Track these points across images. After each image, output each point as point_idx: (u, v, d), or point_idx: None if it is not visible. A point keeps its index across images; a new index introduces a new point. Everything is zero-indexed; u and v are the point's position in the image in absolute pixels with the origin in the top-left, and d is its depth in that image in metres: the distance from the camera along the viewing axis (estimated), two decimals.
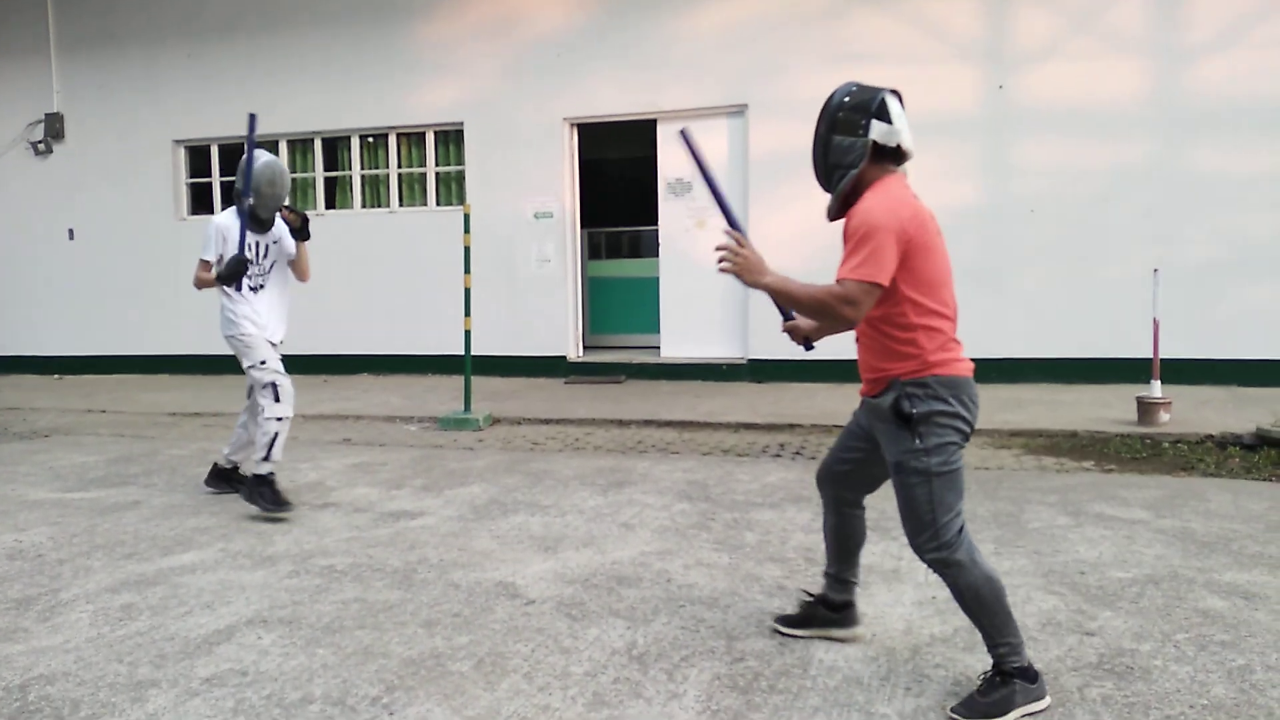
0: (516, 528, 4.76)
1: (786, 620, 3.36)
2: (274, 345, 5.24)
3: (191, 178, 11.65)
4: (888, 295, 2.72)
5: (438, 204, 10.81)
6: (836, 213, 2.90)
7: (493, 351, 10.14)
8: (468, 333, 7.87)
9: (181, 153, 11.58)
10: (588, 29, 10.01)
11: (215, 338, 11.17)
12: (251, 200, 5.06)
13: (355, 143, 10.98)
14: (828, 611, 3.27)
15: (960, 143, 9.05)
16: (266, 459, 5.03)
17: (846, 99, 2.83)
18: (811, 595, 3.35)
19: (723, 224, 3.04)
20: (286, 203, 5.23)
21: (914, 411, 2.72)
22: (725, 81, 9.61)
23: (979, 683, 2.80)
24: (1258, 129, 8.34)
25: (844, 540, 3.22)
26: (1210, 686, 2.90)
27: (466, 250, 7.78)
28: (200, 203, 11.66)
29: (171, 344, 11.52)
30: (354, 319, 10.83)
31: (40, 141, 11.83)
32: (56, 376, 11.78)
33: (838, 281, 2.69)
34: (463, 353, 7.97)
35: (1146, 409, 6.86)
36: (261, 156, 5.10)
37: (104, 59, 11.60)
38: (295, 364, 10.54)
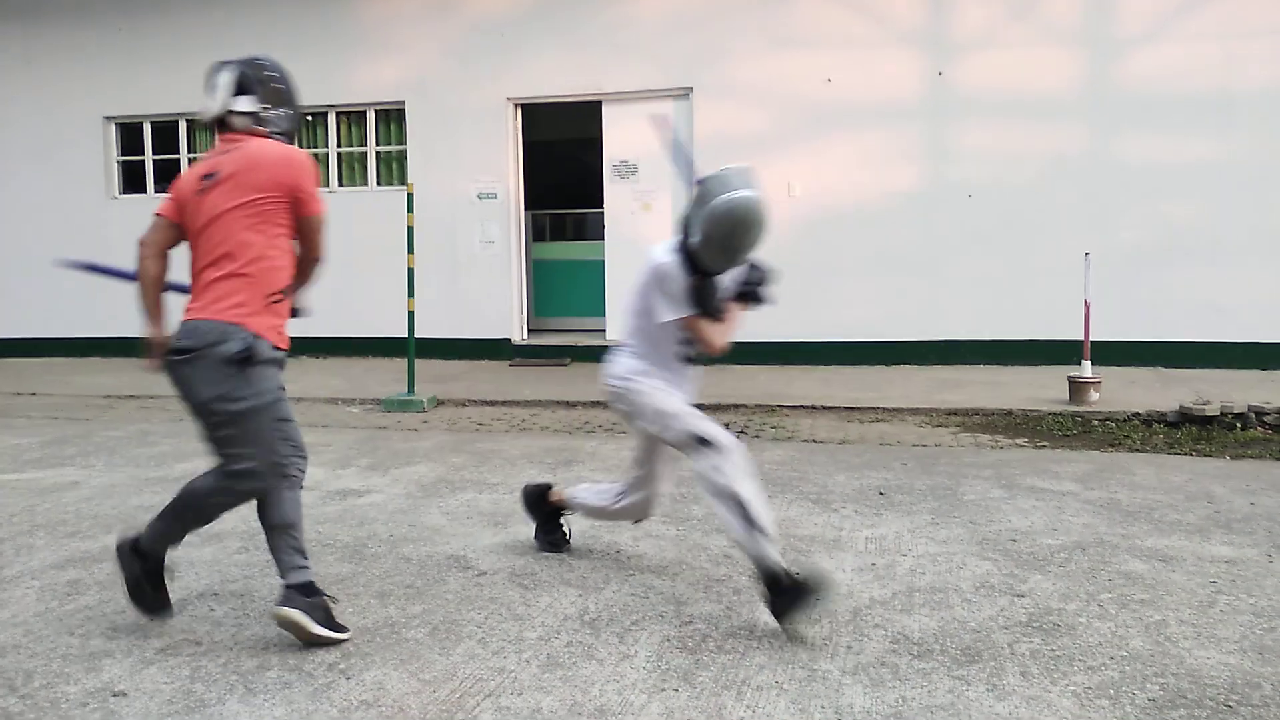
0: (465, 504, 4.80)
1: None
2: None
3: (123, 155, 11.37)
4: None
5: (379, 184, 10.72)
6: None
7: (435, 334, 10.08)
8: (411, 314, 7.84)
9: (112, 129, 11.28)
10: (532, 9, 9.98)
11: None
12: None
13: None
14: None
15: (901, 128, 9.24)
16: None
17: None
18: None
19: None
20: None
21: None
22: (670, 64, 9.67)
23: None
24: (1184, 119, 8.65)
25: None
26: (1129, 640, 3.07)
27: (409, 231, 7.75)
28: (132, 182, 11.39)
29: (104, 326, 11.22)
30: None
31: None
32: None
33: None
34: (404, 335, 7.94)
35: (1077, 388, 7.12)
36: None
37: (29, 31, 11.23)
38: None
